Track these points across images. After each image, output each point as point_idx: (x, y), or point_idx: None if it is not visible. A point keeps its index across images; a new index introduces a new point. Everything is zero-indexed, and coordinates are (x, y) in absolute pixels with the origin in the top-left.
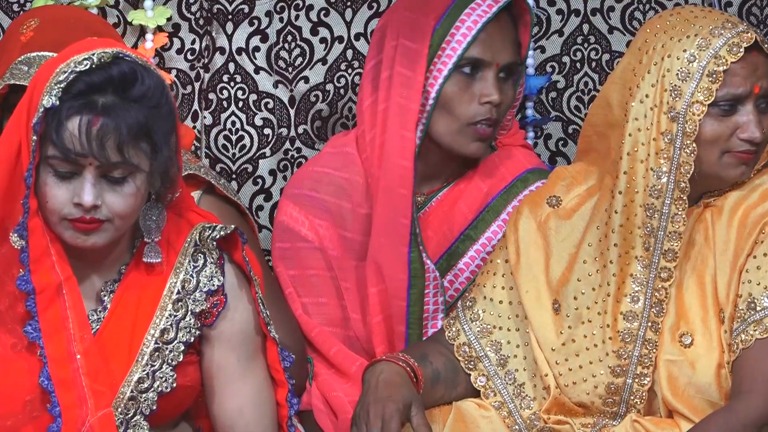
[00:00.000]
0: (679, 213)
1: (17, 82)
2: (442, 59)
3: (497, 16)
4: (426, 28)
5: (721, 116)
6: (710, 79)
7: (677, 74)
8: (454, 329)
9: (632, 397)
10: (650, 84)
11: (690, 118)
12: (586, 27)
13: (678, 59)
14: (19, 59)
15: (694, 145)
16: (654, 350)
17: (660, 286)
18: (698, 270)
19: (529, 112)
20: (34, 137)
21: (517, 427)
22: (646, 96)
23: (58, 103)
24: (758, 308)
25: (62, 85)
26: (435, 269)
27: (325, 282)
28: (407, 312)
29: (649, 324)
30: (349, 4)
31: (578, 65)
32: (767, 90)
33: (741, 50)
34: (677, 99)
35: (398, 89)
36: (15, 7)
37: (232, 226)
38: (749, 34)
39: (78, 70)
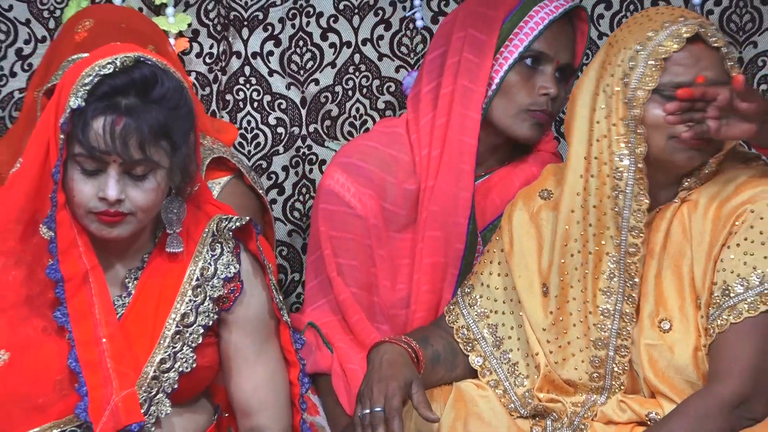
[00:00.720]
0: (642, 192)
1: None
2: (509, 49)
3: (561, 19)
4: (496, 22)
5: (664, 103)
6: (653, 66)
7: (629, 63)
8: (453, 314)
9: (615, 369)
10: (611, 74)
11: (636, 103)
12: None
13: (630, 49)
14: (71, 58)
15: (643, 128)
16: (631, 323)
17: (630, 261)
18: (676, 260)
19: None
20: (62, 136)
21: (512, 405)
22: (608, 86)
23: (83, 104)
24: (732, 295)
25: (87, 88)
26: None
27: (360, 247)
28: (458, 280)
29: (626, 298)
30: (356, 11)
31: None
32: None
33: (683, 41)
34: (627, 86)
35: (465, 74)
36: (45, 14)
37: (247, 218)
38: (693, 26)
39: (102, 73)
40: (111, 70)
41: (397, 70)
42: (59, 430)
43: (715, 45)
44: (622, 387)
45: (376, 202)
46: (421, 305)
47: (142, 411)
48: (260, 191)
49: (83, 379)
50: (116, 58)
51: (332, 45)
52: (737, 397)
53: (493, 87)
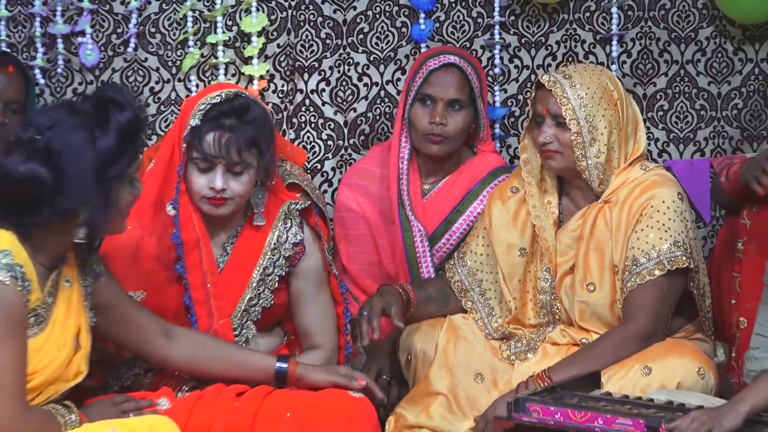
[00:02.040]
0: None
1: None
2: (408, 93)
3: (447, 69)
4: (408, 78)
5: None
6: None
7: None
8: (451, 271)
9: (553, 308)
10: None
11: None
12: (533, 76)
13: None
14: None
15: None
16: (553, 278)
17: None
18: (600, 243)
19: (497, 130)
20: (184, 145)
21: (487, 330)
22: None
23: (200, 123)
24: (638, 265)
25: (203, 112)
26: (419, 224)
27: (366, 239)
28: (406, 254)
29: (551, 260)
30: (382, 61)
31: (528, 101)
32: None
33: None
34: None
35: (397, 115)
36: (169, 63)
37: (309, 202)
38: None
39: (212, 102)
40: (218, 100)
41: None
42: None
43: None
44: (562, 321)
45: (373, 206)
46: (404, 275)
47: (236, 333)
48: (320, 205)
49: (194, 311)
50: (222, 92)
51: (366, 84)
52: (645, 332)
53: (407, 121)
